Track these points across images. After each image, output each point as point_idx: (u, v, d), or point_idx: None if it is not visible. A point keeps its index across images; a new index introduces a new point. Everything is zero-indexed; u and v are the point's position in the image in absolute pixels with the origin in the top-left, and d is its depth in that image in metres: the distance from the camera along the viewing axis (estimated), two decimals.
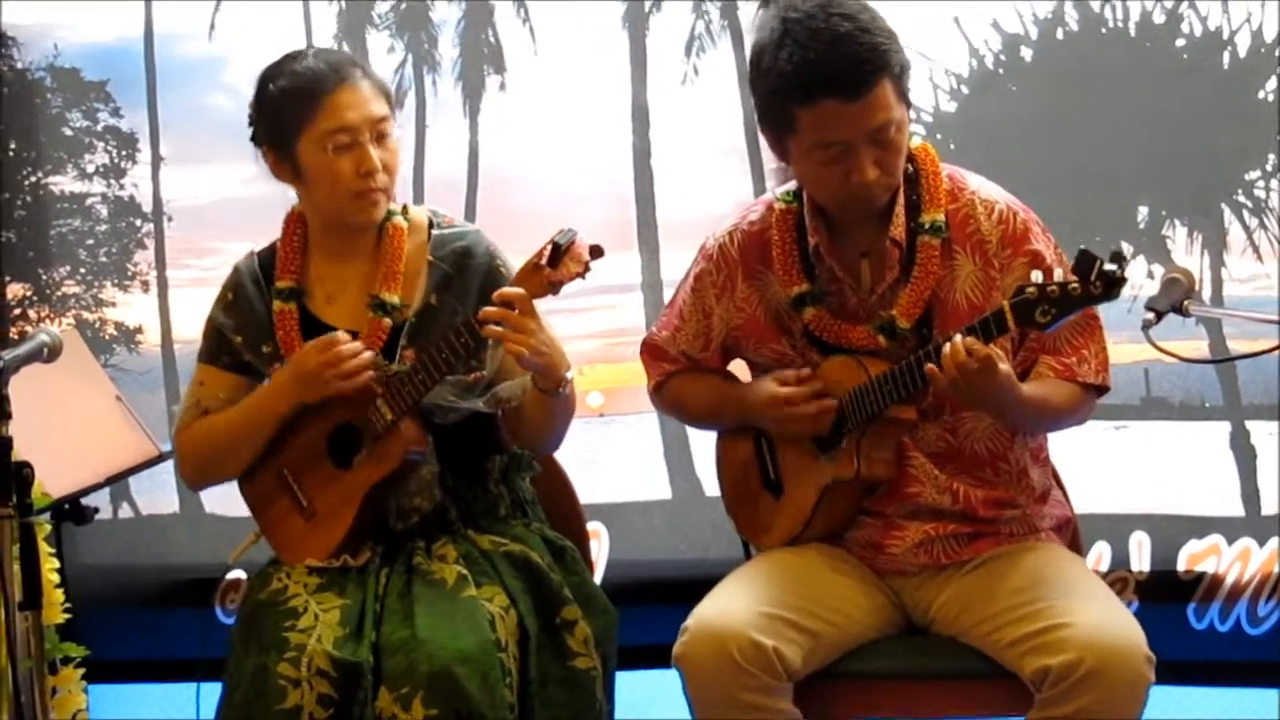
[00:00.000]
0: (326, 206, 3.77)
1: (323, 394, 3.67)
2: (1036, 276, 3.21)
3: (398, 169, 3.73)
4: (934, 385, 3.35)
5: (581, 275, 3.48)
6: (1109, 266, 3.14)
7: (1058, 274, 3.19)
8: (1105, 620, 3.30)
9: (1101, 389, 3.55)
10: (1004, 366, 3.29)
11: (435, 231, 3.79)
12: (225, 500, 4.76)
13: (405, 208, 3.81)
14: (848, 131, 3.36)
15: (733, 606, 3.43)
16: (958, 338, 3.28)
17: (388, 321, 3.71)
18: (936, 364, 3.29)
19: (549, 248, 3.46)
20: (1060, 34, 4.94)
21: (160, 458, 4.51)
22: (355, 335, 3.72)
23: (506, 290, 3.48)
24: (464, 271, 3.74)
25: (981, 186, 3.58)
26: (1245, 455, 4.88)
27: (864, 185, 3.41)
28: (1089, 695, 3.22)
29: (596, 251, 3.49)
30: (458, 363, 3.59)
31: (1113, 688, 3.22)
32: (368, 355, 3.66)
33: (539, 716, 3.56)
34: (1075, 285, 3.16)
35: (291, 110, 3.67)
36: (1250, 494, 4.86)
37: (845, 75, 3.32)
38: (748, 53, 3.52)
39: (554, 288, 3.47)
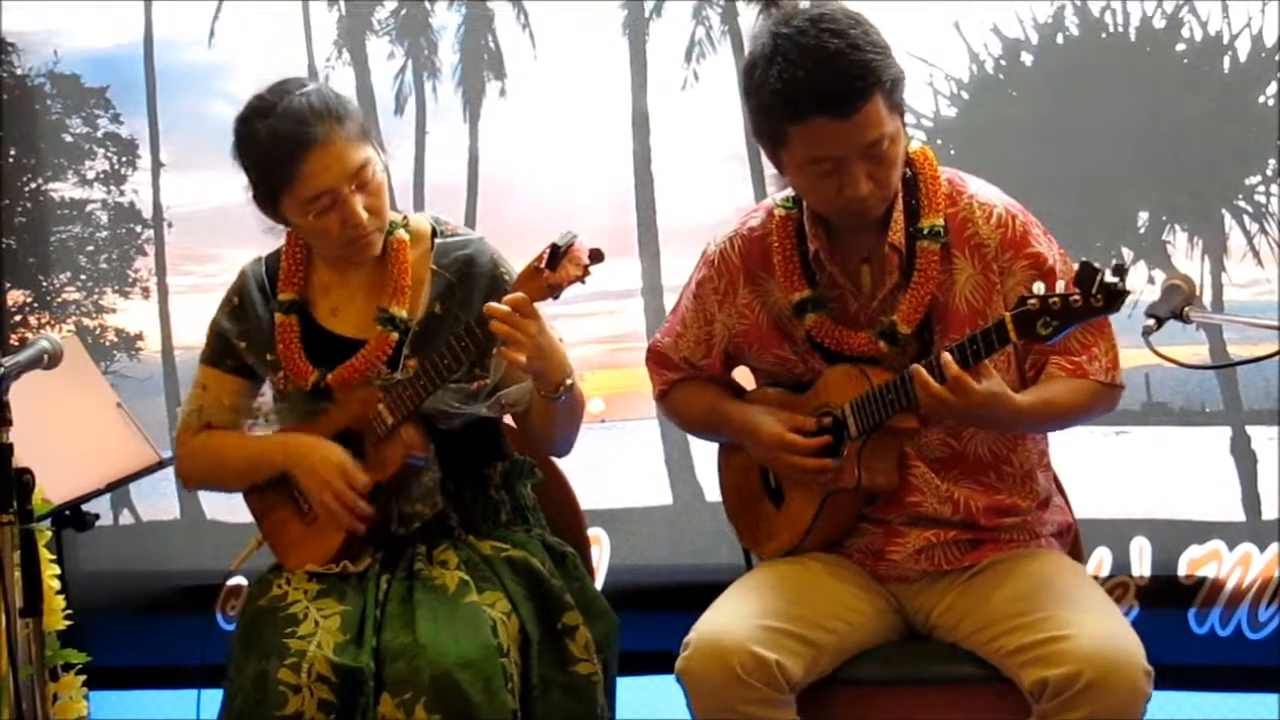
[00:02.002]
0: (320, 251, 3.78)
1: (307, 491, 3.70)
2: (1038, 288, 3.20)
3: (386, 204, 3.69)
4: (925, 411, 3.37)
5: (581, 279, 3.48)
6: (1110, 279, 3.13)
7: (1060, 286, 3.19)
8: (1105, 633, 3.29)
9: (1116, 387, 3.55)
10: (986, 385, 3.28)
11: (438, 240, 3.79)
12: (226, 507, 4.78)
13: (406, 218, 3.81)
14: (839, 148, 3.35)
15: (734, 620, 3.43)
16: (919, 368, 3.29)
17: (395, 335, 3.71)
18: (940, 375, 3.28)
19: (548, 251, 3.45)
20: (1060, 39, 4.94)
21: (160, 464, 4.51)
22: (360, 345, 3.72)
23: (507, 296, 3.47)
24: (467, 280, 3.74)
25: (980, 190, 3.58)
26: (1246, 460, 4.88)
27: (857, 199, 3.40)
28: (1087, 708, 3.21)
29: (596, 255, 3.48)
30: (460, 368, 3.59)
31: (1111, 701, 3.22)
32: (362, 508, 3.67)
33: None
34: (1077, 298, 3.16)
35: (267, 176, 3.63)
36: (1251, 499, 4.86)
37: (835, 94, 3.30)
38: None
39: (554, 291, 3.47)
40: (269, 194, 3.65)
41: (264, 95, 3.65)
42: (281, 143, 3.58)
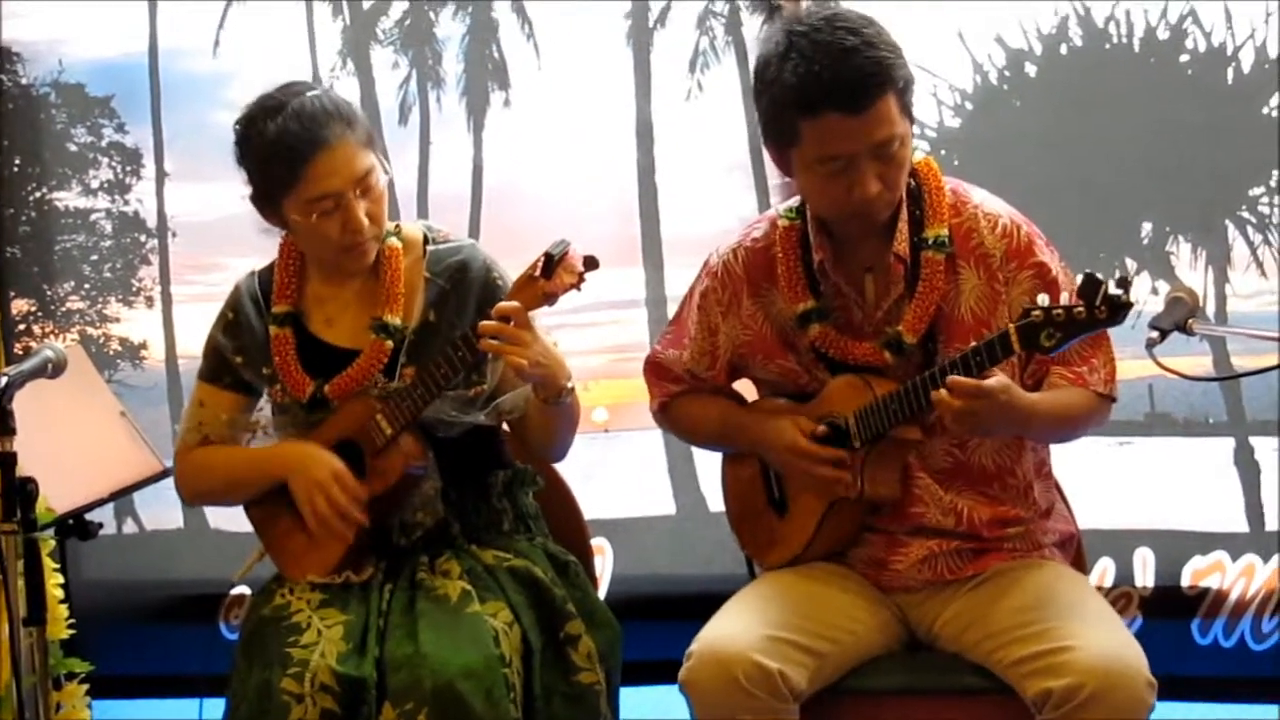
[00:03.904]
0: (316, 256, 3.78)
1: (298, 499, 3.70)
2: (1042, 299, 3.20)
3: (385, 213, 3.70)
4: (944, 423, 3.36)
5: (576, 286, 3.47)
6: (1114, 291, 3.13)
7: (1064, 298, 3.20)
8: (1108, 644, 3.29)
9: (1111, 400, 3.56)
10: (998, 379, 3.28)
11: (430, 248, 3.79)
12: (229, 516, 4.77)
13: (398, 226, 3.81)
14: (850, 145, 3.35)
15: (737, 630, 3.43)
16: (943, 392, 3.29)
17: (390, 344, 3.71)
18: (942, 386, 3.28)
19: (542, 259, 3.45)
20: (1064, 50, 4.94)
21: (164, 473, 4.49)
22: (355, 355, 3.72)
23: (502, 305, 3.47)
24: (461, 286, 3.74)
25: (985, 200, 3.58)
26: (1249, 471, 4.88)
27: (866, 200, 3.40)
28: (1091, 719, 3.22)
29: (591, 262, 3.48)
30: (456, 376, 3.59)
31: (1114, 712, 3.22)
32: (355, 515, 3.66)
33: None
34: (1080, 309, 3.15)
35: (271, 174, 3.63)
36: (1254, 510, 4.86)
37: (849, 89, 3.32)
38: (752, 68, 3.52)
39: (549, 299, 3.47)
40: (272, 193, 3.65)
41: (272, 94, 3.66)
42: (292, 141, 3.58)
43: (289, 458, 3.74)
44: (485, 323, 3.46)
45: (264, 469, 3.78)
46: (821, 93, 3.33)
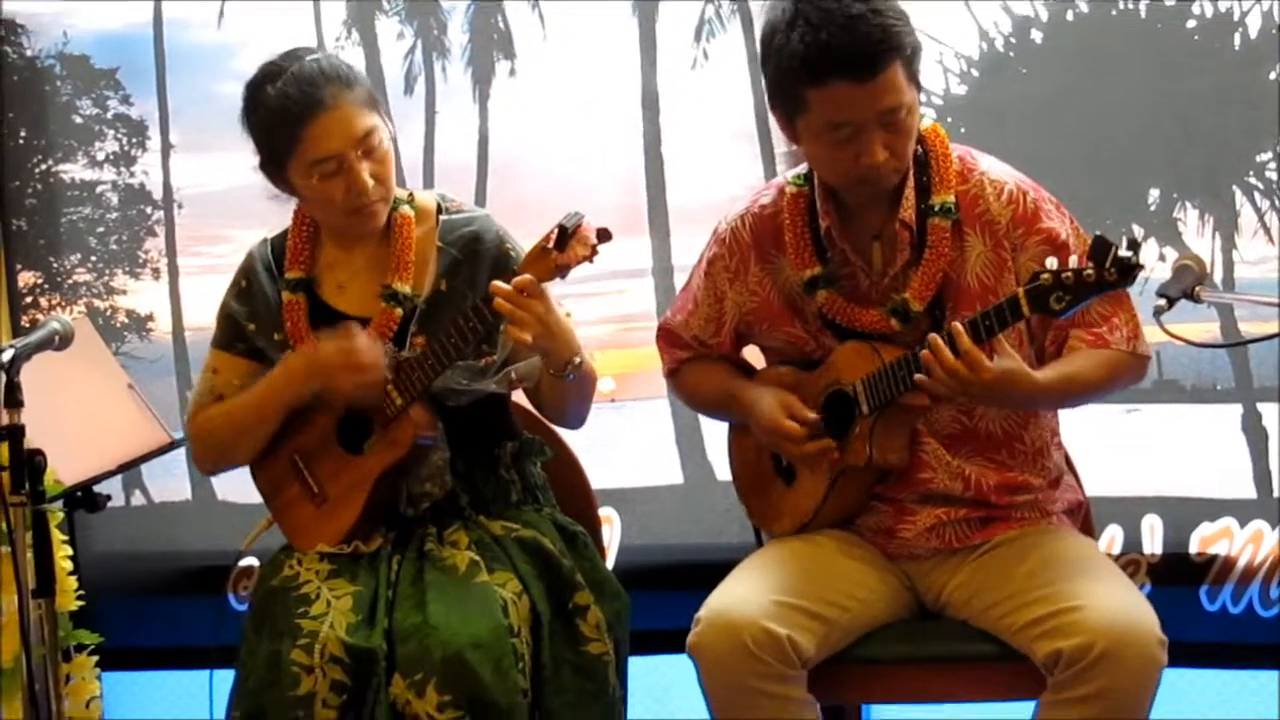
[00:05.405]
0: (325, 221, 3.79)
1: (332, 385, 3.67)
2: (1051, 263, 3.20)
3: (392, 174, 3.71)
4: (932, 394, 3.36)
5: (589, 258, 3.47)
6: (1124, 253, 3.13)
7: (1072, 260, 3.19)
8: (1117, 603, 3.30)
9: (1141, 356, 3.55)
10: (1000, 362, 3.28)
11: (443, 217, 3.79)
12: (237, 487, 4.77)
13: (411, 195, 3.81)
14: (858, 113, 3.35)
15: (745, 595, 3.43)
16: (936, 338, 3.29)
17: (399, 311, 3.71)
18: (954, 350, 3.27)
19: (555, 231, 3.45)
20: (1070, 16, 4.92)
21: (172, 445, 4.52)
22: (366, 323, 3.72)
23: (515, 279, 3.47)
24: (474, 257, 3.74)
25: (991, 167, 3.57)
26: (1257, 437, 4.86)
27: (873, 167, 3.40)
28: (1102, 678, 3.21)
29: (604, 234, 3.48)
30: (467, 347, 3.59)
31: (1125, 671, 3.22)
32: (380, 352, 3.65)
33: (552, 702, 3.57)
34: (1090, 271, 3.15)
35: (274, 140, 3.65)
36: (1262, 476, 4.84)
37: (857, 56, 3.31)
38: (758, 37, 3.52)
39: (561, 271, 3.47)
40: (276, 158, 3.66)
41: (274, 61, 3.69)
42: (290, 105, 3.60)
43: (292, 368, 3.73)
44: (498, 283, 3.46)
45: (273, 393, 3.75)
46: (828, 61, 3.32)
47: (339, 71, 3.66)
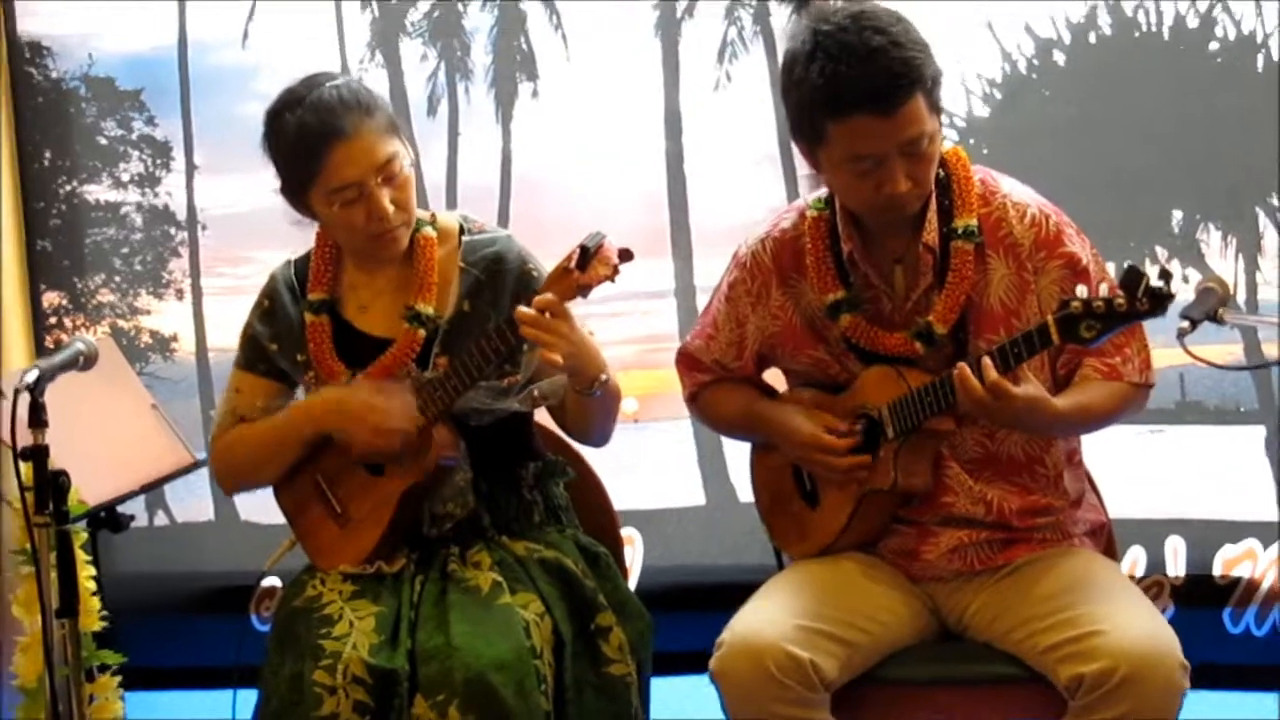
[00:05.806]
0: (347, 245, 3.79)
1: (347, 435, 3.68)
2: (1081, 291, 3.19)
3: (413, 199, 3.69)
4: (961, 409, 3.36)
5: (611, 278, 3.47)
6: (1156, 283, 3.11)
7: (1103, 289, 3.17)
8: (1140, 628, 3.29)
9: (1148, 387, 3.55)
10: (1025, 390, 3.28)
11: (466, 238, 3.79)
12: (260, 508, 4.79)
13: (434, 216, 3.81)
14: (880, 145, 3.34)
15: (768, 619, 3.43)
16: (964, 367, 3.29)
17: (422, 332, 3.72)
18: (979, 376, 3.27)
19: (577, 251, 3.45)
20: (1093, 38, 4.93)
21: (195, 465, 4.52)
22: (389, 344, 3.73)
23: (538, 298, 3.47)
24: (496, 277, 3.74)
25: (1013, 190, 3.57)
26: None
27: (895, 196, 3.39)
28: (1124, 703, 3.21)
29: (626, 254, 3.48)
30: (489, 367, 3.59)
31: (1147, 696, 3.21)
32: (410, 419, 3.65)
33: None
34: (1121, 301, 3.14)
35: (294, 168, 3.64)
36: None
37: (878, 91, 3.29)
38: (780, 59, 3.51)
39: (583, 291, 3.47)
40: (296, 185, 3.66)
41: (294, 88, 3.67)
42: (309, 134, 3.59)
43: (315, 406, 3.75)
44: (522, 309, 3.46)
45: (294, 426, 3.77)
46: (849, 95, 3.30)
47: (359, 98, 3.64)
